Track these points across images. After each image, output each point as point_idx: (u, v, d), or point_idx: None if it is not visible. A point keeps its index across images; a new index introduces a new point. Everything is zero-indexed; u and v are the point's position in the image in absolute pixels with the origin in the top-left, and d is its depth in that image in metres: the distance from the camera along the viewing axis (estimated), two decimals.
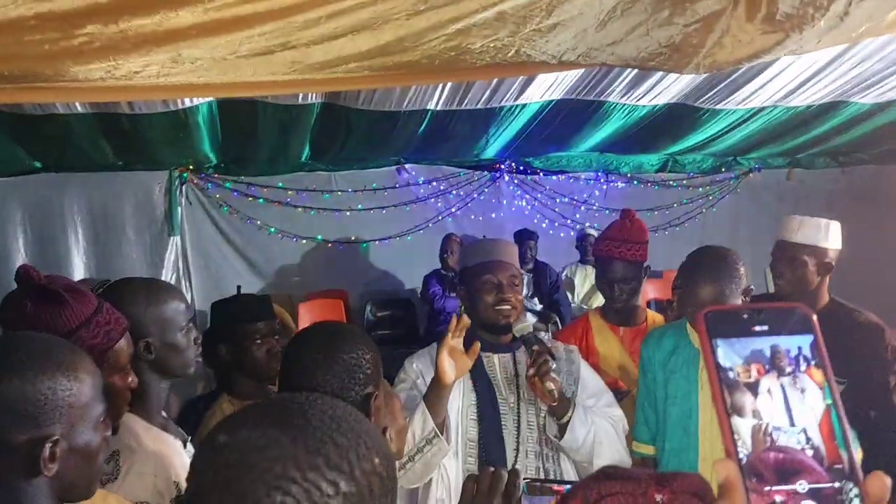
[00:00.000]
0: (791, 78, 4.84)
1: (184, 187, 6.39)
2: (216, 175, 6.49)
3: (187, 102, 4.60)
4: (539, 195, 7.66)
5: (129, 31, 1.92)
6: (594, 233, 6.47)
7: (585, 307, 6.69)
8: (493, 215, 7.55)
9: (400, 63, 2.13)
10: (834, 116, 5.91)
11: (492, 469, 1.21)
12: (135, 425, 1.83)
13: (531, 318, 6.01)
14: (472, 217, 7.51)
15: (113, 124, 4.81)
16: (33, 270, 1.60)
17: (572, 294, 7.00)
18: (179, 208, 6.39)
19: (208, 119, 5.06)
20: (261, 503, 0.77)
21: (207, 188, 6.50)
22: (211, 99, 4.66)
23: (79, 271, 5.96)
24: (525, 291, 6.68)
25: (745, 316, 0.67)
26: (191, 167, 6.29)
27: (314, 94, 4.75)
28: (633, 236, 2.95)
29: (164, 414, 2.07)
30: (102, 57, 2.03)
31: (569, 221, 7.72)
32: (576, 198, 7.77)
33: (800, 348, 0.65)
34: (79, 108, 4.43)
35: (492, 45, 2.10)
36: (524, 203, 7.63)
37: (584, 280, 6.93)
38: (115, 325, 1.66)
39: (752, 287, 2.55)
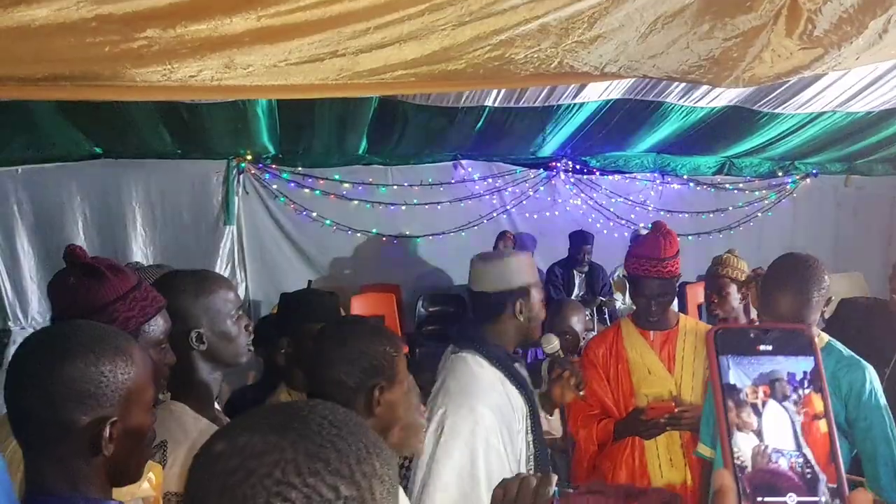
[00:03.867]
0: (850, 84, 4.85)
1: (241, 177, 6.47)
2: (273, 166, 6.55)
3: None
4: (595, 195, 7.60)
5: (186, 36, 1.95)
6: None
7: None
8: (548, 214, 7.51)
9: (445, 71, 2.13)
10: (893, 123, 5.93)
11: (521, 475, 1.19)
12: (184, 416, 1.87)
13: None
14: (527, 215, 7.47)
15: (173, 113, 4.91)
16: (79, 249, 1.66)
17: (623, 294, 6.97)
18: (236, 198, 6.47)
19: (267, 110, 5.12)
20: None
21: (265, 178, 6.57)
22: None
23: (135, 257, 6.02)
24: (577, 292, 6.68)
25: (752, 335, 0.69)
26: (249, 157, 6.36)
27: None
28: (665, 253, 2.88)
29: (217, 407, 2.09)
30: (160, 61, 2.07)
31: (624, 222, 7.66)
32: (631, 198, 7.70)
33: (804, 372, 0.68)
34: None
35: (535, 55, 2.11)
36: (579, 202, 7.57)
37: None
38: (151, 301, 1.71)
39: (832, 297, 2.51)
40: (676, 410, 2.72)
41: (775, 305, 2.35)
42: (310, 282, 2.70)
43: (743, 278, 3.58)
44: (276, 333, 2.70)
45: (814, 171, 7.96)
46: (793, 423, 0.67)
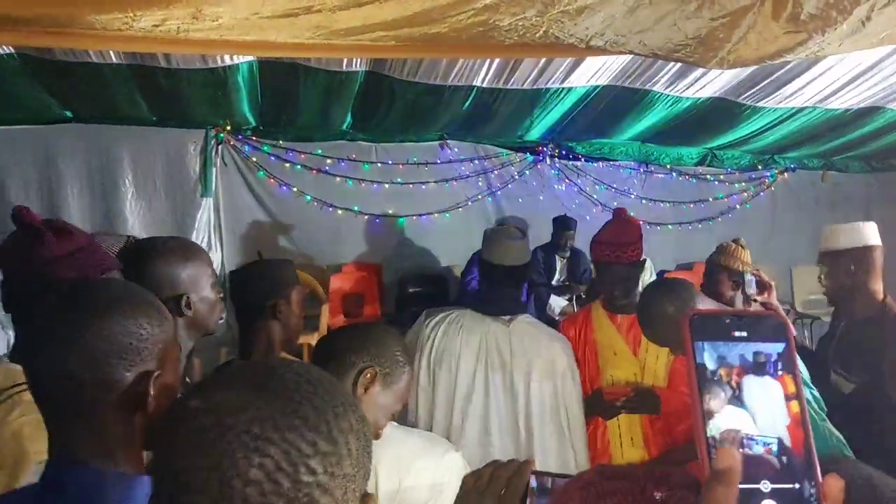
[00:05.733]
0: (832, 80, 5.01)
1: (219, 148, 6.27)
2: (254, 137, 6.37)
3: (227, 60, 4.51)
4: (579, 181, 7.57)
5: None
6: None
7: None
8: (533, 198, 7.43)
9: (427, 35, 2.02)
10: (870, 122, 6.13)
11: (495, 462, 1.17)
12: None
13: (561, 302, 6.17)
14: (512, 199, 7.38)
15: (149, 78, 4.72)
16: (24, 210, 1.61)
17: None
18: (214, 169, 6.28)
19: (248, 79, 4.96)
20: (238, 466, 0.76)
21: (244, 150, 6.39)
22: (251, 59, 4.58)
23: (104, 226, 5.84)
24: (558, 277, 6.68)
25: (727, 321, 0.70)
26: (228, 128, 6.17)
27: (358, 62, 4.66)
28: (627, 238, 2.98)
29: (186, 379, 2.08)
30: (121, 7, 1.94)
31: (607, 209, 7.58)
32: (615, 186, 7.71)
33: (776, 355, 0.69)
34: (113, 58, 4.35)
35: (520, 23, 2.06)
36: (564, 188, 7.53)
37: None
38: (95, 264, 1.66)
39: None
40: (632, 395, 2.76)
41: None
42: (259, 253, 2.62)
43: (737, 267, 3.61)
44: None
45: (792, 166, 8.15)
46: (768, 407, 0.67)
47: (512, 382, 2.56)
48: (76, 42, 2.23)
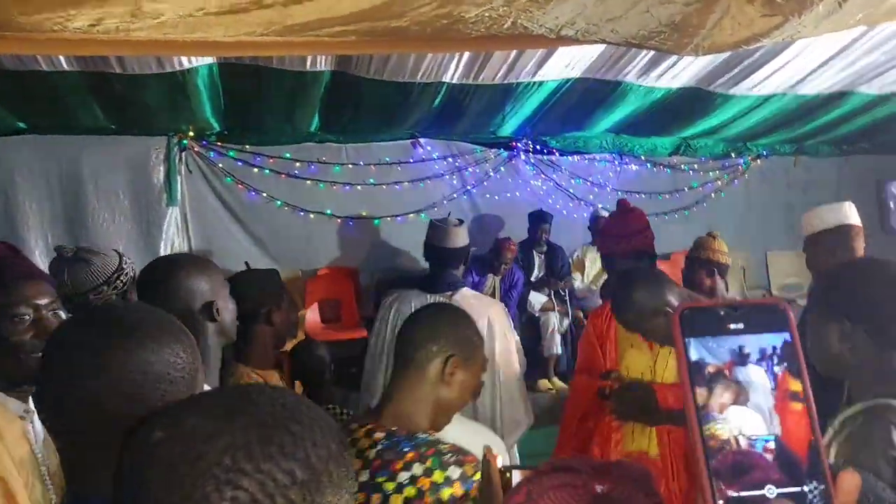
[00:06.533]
0: (801, 66, 5.05)
1: (183, 154, 6.05)
2: (219, 143, 6.15)
3: (185, 64, 4.35)
4: (555, 176, 7.47)
5: None
6: (606, 215, 6.39)
7: (595, 288, 6.93)
8: (509, 195, 7.30)
9: (388, 29, 1.88)
10: (840, 105, 6.17)
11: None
12: None
13: (541, 298, 6.14)
14: (488, 196, 7.25)
15: (104, 85, 4.54)
16: None
17: (582, 275, 7.00)
18: (179, 177, 6.07)
19: (209, 83, 4.79)
20: (210, 499, 0.71)
21: (209, 157, 6.17)
22: (211, 61, 4.41)
23: (64, 240, 5.39)
24: (537, 273, 6.66)
25: (722, 313, 0.65)
26: (191, 134, 5.97)
27: (323, 62, 4.54)
28: (631, 228, 3.07)
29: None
30: (51, 7, 1.78)
31: (583, 203, 7.57)
32: (591, 179, 7.64)
33: (775, 348, 0.64)
34: (64, 65, 4.17)
35: (486, 14, 1.94)
36: (540, 183, 7.43)
37: (594, 262, 7.06)
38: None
39: None
40: (615, 387, 2.76)
41: None
42: (246, 263, 2.70)
43: (716, 259, 3.69)
44: None
45: (764, 153, 8.17)
46: (768, 405, 0.63)
47: None
48: (7, 47, 2.06)
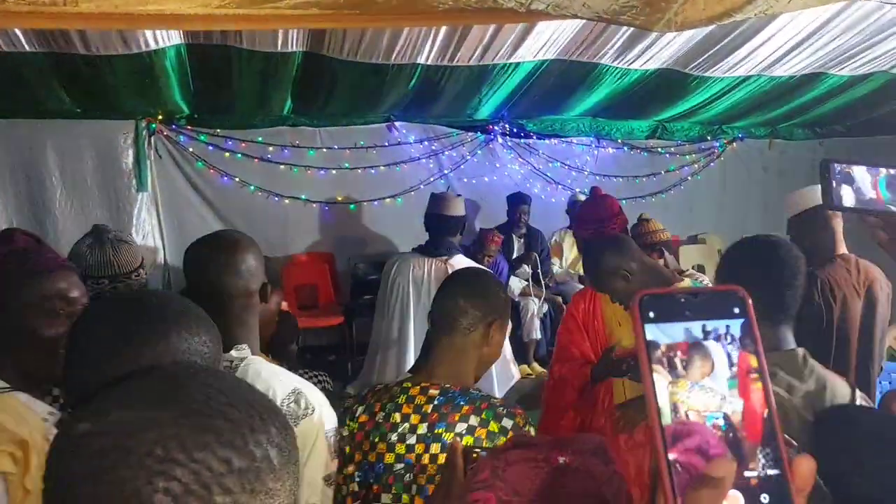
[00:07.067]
0: (776, 47, 5.08)
1: (153, 139, 5.93)
2: (189, 127, 6.04)
3: (152, 45, 4.24)
4: (532, 159, 7.45)
5: None
6: (584, 199, 6.35)
7: (573, 272, 6.96)
8: (486, 178, 7.26)
9: (352, 2, 1.78)
10: (813, 88, 6.24)
11: None
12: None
13: (520, 283, 6.11)
14: (465, 180, 7.19)
15: (68, 67, 4.43)
16: None
17: (560, 259, 6.99)
18: (149, 162, 5.94)
19: (177, 64, 4.68)
20: (141, 493, 0.67)
21: (179, 141, 6.05)
22: (179, 42, 4.30)
23: (30, 228, 5.38)
24: (516, 256, 6.64)
25: (682, 300, 0.66)
26: (160, 117, 5.85)
27: (295, 42, 4.45)
28: (607, 212, 3.15)
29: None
30: None
31: (561, 187, 7.55)
32: (568, 163, 7.61)
33: (728, 327, 0.66)
34: (25, 45, 4.05)
35: None
36: (517, 167, 7.39)
37: (572, 246, 7.01)
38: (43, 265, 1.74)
39: None
40: (632, 362, 2.79)
41: None
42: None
43: (655, 240, 4.07)
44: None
45: (740, 136, 8.22)
46: (724, 385, 0.64)
47: None
48: None
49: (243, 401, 0.77)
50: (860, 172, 1.26)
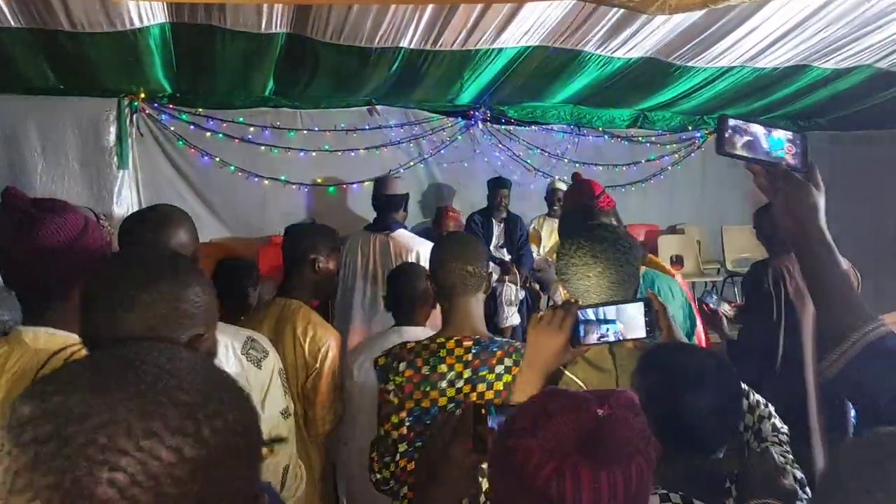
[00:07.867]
0: (760, 38, 5.04)
1: (134, 117, 5.91)
2: (171, 105, 6.03)
3: (136, 22, 4.24)
4: (513, 146, 7.49)
5: None
6: (563, 186, 6.54)
7: (551, 260, 6.86)
8: (466, 164, 7.30)
9: None
10: (796, 80, 6.23)
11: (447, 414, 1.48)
12: None
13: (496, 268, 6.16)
14: (445, 165, 7.24)
15: (52, 43, 4.41)
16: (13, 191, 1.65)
17: (538, 246, 7.01)
18: (130, 140, 5.92)
19: (161, 43, 4.68)
20: (82, 483, 0.63)
21: (161, 119, 6.05)
22: (163, 20, 4.31)
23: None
24: (496, 242, 6.64)
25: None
26: (142, 96, 5.83)
27: (279, 22, 4.46)
28: (595, 191, 3.14)
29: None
30: None
31: (540, 174, 7.60)
32: (548, 150, 7.65)
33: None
34: (10, 21, 4.04)
35: None
36: (497, 153, 7.44)
37: (550, 233, 7.03)
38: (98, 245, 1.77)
39: None
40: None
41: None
42: (313, 218, 4.45)
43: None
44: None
45: None
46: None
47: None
48: None
49: (195, 384, 0.72)
50: (755, 128, 1.38)
